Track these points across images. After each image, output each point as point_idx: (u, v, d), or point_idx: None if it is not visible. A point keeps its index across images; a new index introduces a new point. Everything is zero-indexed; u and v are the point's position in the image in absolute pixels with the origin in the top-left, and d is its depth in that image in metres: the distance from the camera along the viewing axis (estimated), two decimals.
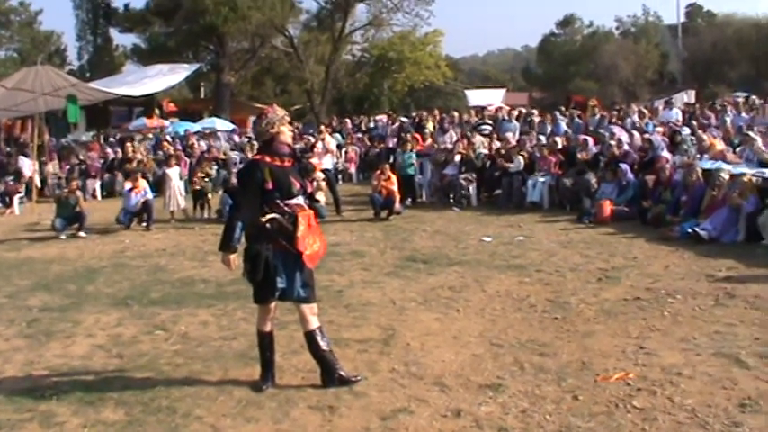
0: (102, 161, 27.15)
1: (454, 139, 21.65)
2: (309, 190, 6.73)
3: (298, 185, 6.48)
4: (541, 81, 70.35)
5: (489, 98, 42.40)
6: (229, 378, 7.08)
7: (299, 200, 6.50)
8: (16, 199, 23.00)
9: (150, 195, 18.17)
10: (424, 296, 9.82)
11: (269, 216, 6.29)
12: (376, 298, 9.80)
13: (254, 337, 8.19)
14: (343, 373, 6.61)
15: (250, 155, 20.26)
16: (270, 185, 6.27)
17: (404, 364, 7.14)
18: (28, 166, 24.70)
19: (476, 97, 46.21)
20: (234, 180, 19.94)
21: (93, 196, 24.64)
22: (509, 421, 5.80)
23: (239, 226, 6.45)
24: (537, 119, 24.17)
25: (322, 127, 24.87)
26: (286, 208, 6.36)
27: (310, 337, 6.65)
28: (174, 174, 19.48)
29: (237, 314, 9.42)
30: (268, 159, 6.40)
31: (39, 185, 24.60)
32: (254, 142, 22.72)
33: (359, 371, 6.67)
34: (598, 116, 23.26)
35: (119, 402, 6.59)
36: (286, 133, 6.52)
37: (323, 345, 6.64)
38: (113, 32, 55.51)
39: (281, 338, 8.11)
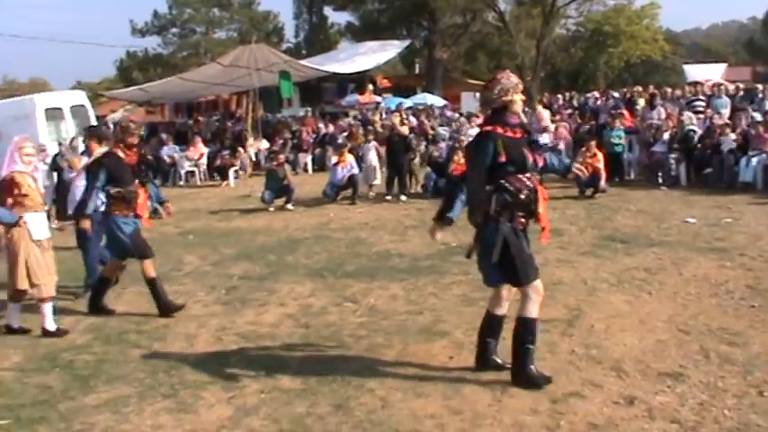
0: (314, 136, 27.86)
1: (663, 115, 20.75)
2: (540, 164, 6.30)
3: (531, 158, 6.07)
4: (766, 54, 66.31)
5: (708, 73, 40.32)
6: (408, 352, 7.09)
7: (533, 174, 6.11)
8: (231, 172, 24.02)
9: (356, 170, 18.49)
10: (617, 277, 9.46)
11: (509, 190, 5.90)
12: (568, 277, 9.54)
13: (440, 312, 8.31)
14: (533, 371, 6.12)
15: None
16: (503, 158, 5.85)
17: (584, 347, 6.90)
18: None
19: (694, 72, 44.17)
20: (435, 154, 20.09)
21: (305, 170, 25.34)
22: (684, 413, 5.47)
23: (461, 199, 6.19)
24: (760, 95, 22.75)
25: (538, 105, 24.47)
26: (527, 182, 5.96)
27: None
28: (371, 148, 19.76)
29: (428, 289, 9.42)
30: (500, 130, 5.94)
31: (253, 159, 25.64)
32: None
33: (537, 351, 6.47)
34: None
35: (297, 371, 6.75)
36: (518, 102, 6.08)
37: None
38: (328, 10, 56.87)
39: (468, 315, 8.09)
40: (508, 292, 6.24)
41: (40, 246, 8.34)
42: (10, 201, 8.15)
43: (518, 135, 6.05)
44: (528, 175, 5.97)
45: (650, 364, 6.44)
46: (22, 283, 8.26)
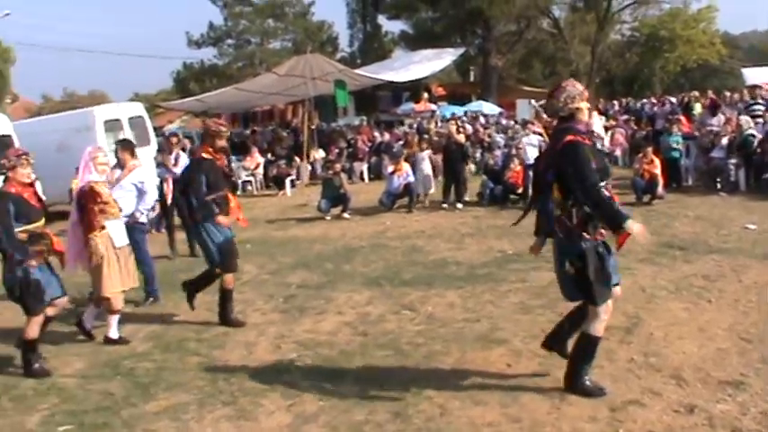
0: (369, 144, 27.95)
1: (722, 120, 20.42)
2: None
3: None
4: None
5: (767, 76, 39.73)
6: (466, 360, 7.09)
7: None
8: (288, 181, 24.17)
9: (412, 178, 18.50)
10: (675, 284, 9.35)
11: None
12: (626, 285, 9.34)
13: (497, 320, 8.29)
14: (588, 383, 6.07)
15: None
16: (594, 164, 5.67)
17: (643, 355, 6.84)
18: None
19: (753, 75, 43.42)
20: (491, 162, 20.02)
21: (361, 178, 25.44)
22: (745, 422, 5.40)
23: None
24: None
25: (593, 112, 24.25)
26: (607, 192, 5.75)
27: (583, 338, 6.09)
28: (424, 157, 19.79)
29: (485, 297, 9.40)
30: (580, 138, 5.78)
31: (309, 168, 25.81)
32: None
33: (596, 359, 6.41)
34: None
35: (356, 378, 6.80)
36: (584, 110, 5.96)
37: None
38: (382, 19, 57.06)
39: (526, 323, 8.10)
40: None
41: (120, 253, 8.52)
42: (95, 209, 8.30)
43: (591, 143, 5.97)
44: (605, 184, 5.77)
45: (710, 373, 6.36)
46: (110, 289, 8.41)
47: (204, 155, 8.99)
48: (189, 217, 9.38)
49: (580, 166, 5.66)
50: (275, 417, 6.13)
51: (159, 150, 16.12)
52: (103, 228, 8.35)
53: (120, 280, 8.46)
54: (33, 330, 7.74)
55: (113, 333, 8.60)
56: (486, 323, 8.23)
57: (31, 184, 7.88)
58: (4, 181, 7.75)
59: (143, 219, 9.98)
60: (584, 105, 5.94)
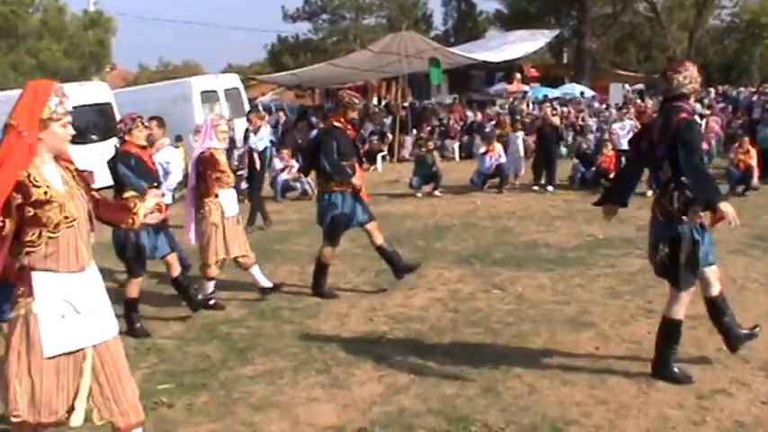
0: (461, 123, 27.96)
1: None
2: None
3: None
4: None
5: None
6: (554, 341, 7.19)
7: None
8: (379, 157, 24.37)
9: (504, 159, 18.54)
10: (767, 277, 9.24)
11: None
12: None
13: (587, 304, 8.35)
14: (675, 370, 6.06)
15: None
16: (705, 146, 5.75)
17: None
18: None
19: None
20: (584, 146, 19.91)
21: (452, 157, 25.50)
22: None
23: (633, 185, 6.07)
24: None
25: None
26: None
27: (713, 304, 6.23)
28: (518, 138, 19.79)
29: (575, 280, 9.44)
30: (693, 117, 5.85)
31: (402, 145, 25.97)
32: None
33: (684, 348, 6.44)
34: None
35: (446, 353, 6.96)
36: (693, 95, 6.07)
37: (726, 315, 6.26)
38: None
39: (615, 308, 8.14)
40: (713, 270, 6.17)
41: (230, 222, 8.77)
42: (215, 176, 8.59)
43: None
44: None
45: None
46: (214, 257, 8.69)
47: (336, 123, 9.12)
48: (318, 185, 9.42)
49: (693, 142, 5.72)
50: (367, 386, 6.31)
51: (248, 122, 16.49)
52: (217, 195, 8.63)
53: (224, 248, 8.71)
54: (134, 291, 8.12)
55: (264, 282, 9.02)
56: (575, 306, 8.30)
57: (145, 148, 8.20)
58: (121, 143, 8.08)
59: (167, 199, 9.91)
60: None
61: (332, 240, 9.18)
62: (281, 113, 29.69)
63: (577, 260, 10.49)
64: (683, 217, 5.78)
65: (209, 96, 24.72)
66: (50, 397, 4.11)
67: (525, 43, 37.47)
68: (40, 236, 4.04)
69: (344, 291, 9.42)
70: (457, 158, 25.37)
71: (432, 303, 8.70)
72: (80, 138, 19.38)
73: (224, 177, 8.72)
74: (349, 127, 9.17)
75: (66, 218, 4.07)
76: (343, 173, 8.85)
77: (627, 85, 39.05)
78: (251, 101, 32.34)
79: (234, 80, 27.01)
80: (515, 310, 8.28)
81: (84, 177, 4.33)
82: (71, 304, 4.16)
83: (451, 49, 33.69)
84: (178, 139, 18.46)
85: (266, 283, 9.03)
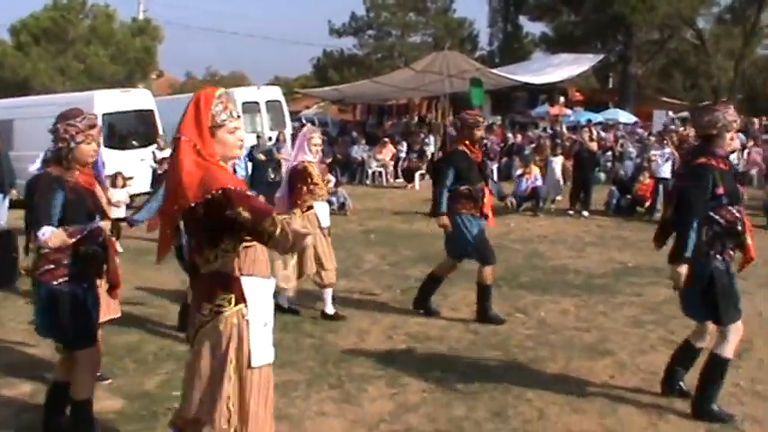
0: (501, 145, 27.93)
1: None
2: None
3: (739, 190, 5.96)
4: None
5: None
6: (570, 368, 7.17)
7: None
8: (417, 175, 24.41)
9: (540, 182, 18.53)
10: None
11: (720, 222, 5.73)
12: (743, 309, 9.27)
13: (608, 332, 8.32)
14: (716, 408, 5.95)
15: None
16: (721, 190, 5.71)
17: (750, 381, 6.75)
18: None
19: None
20: (621, 173, 19.83)
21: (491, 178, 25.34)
22: None
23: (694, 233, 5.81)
24: None
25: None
26: (737, 213, 5.77)
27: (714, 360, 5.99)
28: (556, 163, 19.74)
29: (598, 307, 9.41)
30: (713, 162, 5.77)
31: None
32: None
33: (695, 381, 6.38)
34: None
35: (461, 375, 6.96)
36: (726, 140, 5.90)
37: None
38: (523, 20, 56.51)
39: (635, 337, 8.11)
40: (713, 327, 6.09)
41: (324, 233, 8.83)
42: (305, 189, 8.60)
43: (727, 167, 5.95)
44: (738, 207, 5.81)
45: None
46: (310, 268, 8.69)
47: (460, 147, 8.92)
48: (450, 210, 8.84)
49: (691, 192, 5.79)
50: (378, 404, 6.35)
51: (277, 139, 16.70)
52: (311, 207, 8.65)
53: (325, 259, 8.74)
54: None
55: (329, 309, 9.00)
56: (595, 333, 8.27)
57: None
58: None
59: None
60: (728, 136, 5.89)
61: (486, 258, 8.94)
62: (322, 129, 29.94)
63: (603, 287, 10.45)
64: (711, 252, 5.75)
65: (250, 107, 24.92)
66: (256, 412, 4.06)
67: (569, 67, 37.32)
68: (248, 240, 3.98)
69: (367, 308, 9.46)
70: (495, 179, 25.24)
71: (453, 324, 8.71)
72: (120, 143, 19.89)
73: (317, 190, 8.72)
74: (474, 150, 8.95)
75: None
76: (437, 207, 8.73)
77: (671, 113, 38.69)
78: (295, 114, 32.57)
79: (276, 92, 27.22)
80: (535, 335, 8.27)
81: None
82: (269, 313, 4.17)
83: (494, 70, 33.69)
84: None
85: (330, 310, 8.99)
